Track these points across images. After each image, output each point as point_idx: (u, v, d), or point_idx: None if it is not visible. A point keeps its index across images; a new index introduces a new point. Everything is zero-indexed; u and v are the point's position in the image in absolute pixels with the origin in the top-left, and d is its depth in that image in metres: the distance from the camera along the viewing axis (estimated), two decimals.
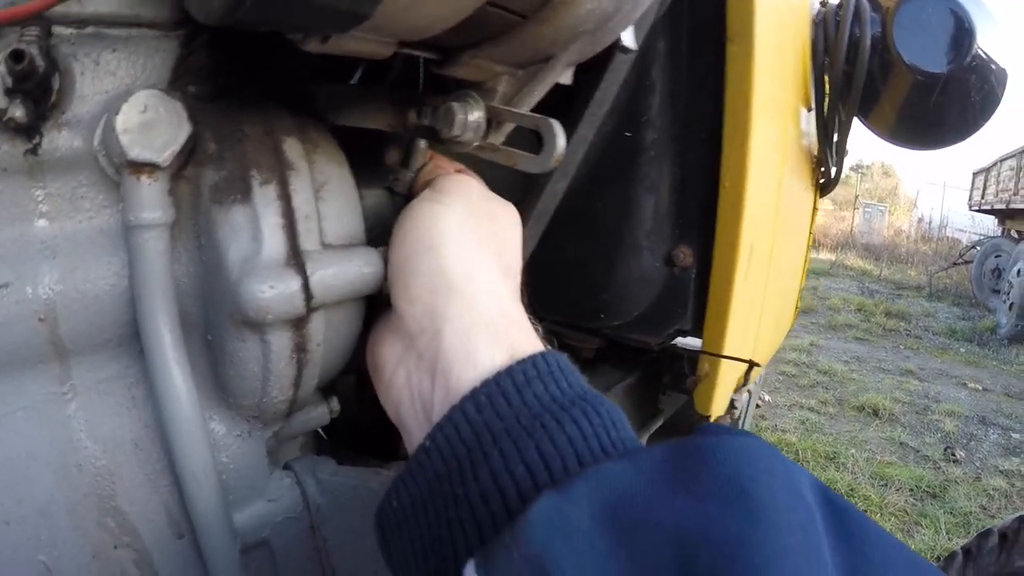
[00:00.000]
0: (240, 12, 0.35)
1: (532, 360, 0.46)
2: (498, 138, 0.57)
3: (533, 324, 0.53)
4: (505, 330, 0.49)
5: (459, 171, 0.63)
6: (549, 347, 0.50)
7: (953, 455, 4.97)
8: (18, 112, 0.45)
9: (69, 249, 0.50)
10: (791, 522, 0.32)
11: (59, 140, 0.48)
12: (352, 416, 0.70)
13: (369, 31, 0.43)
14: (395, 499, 0.46)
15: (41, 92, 0.46)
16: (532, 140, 0.56)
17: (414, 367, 0.51)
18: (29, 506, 0.51)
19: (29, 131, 0.47)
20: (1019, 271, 9.10)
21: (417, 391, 0.50)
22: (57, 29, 0.46)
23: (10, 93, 0.45)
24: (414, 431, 0.51)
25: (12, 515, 0.50)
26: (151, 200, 0.48)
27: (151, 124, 0.47)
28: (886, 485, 4.39)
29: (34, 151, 0.48)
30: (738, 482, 0.33)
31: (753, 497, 0.32)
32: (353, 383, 0.81)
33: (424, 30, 0.46)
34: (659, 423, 1.43)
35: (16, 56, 0.43)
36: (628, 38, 0.69)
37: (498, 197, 0.60)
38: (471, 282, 0.51)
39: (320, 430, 0.75)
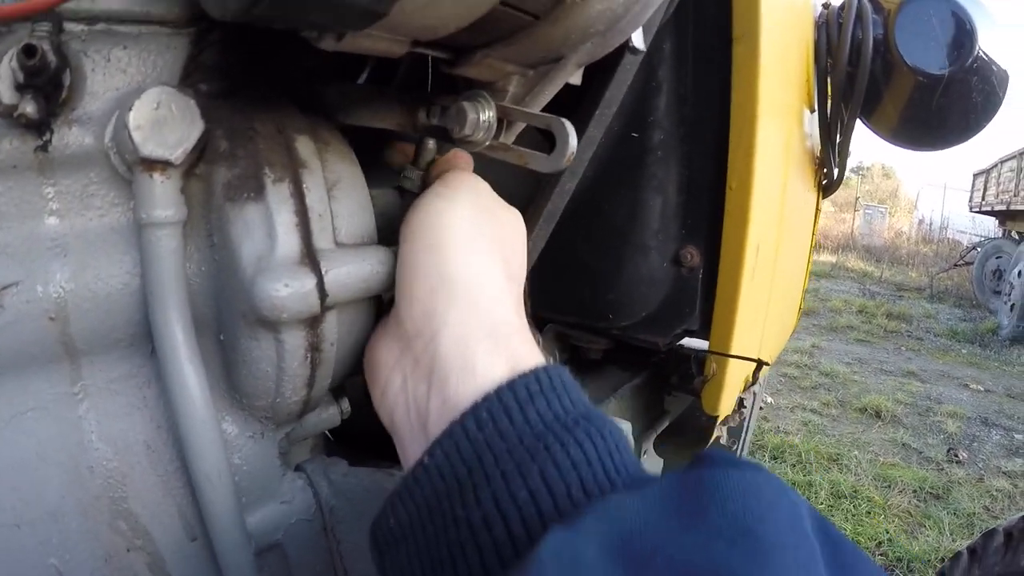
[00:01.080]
0: (258, 9, 0.35)
1: (535, 374, 0.44)
2: (509, 138, 0.57)
3: (534, 334, 0.52)
4: (506, 339, 0.48)
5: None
6: (551, 359, 0.49)
7: (956, 456, 4.97)
8: (29, 108, 0.44)
9: (80, 247, 0.49)
10: (796, 561, 0.32)
11: (70, 137, 0.48)
12: (359, 418, 0.70)
13: (384, 29, 0.43)
14: (392, 516, 0.45)
15: (52, 88, 0.46)
16: (540, 140, 0.55)
17: (410, 372, 0.50)
18: (40, 509, 0.50)
19: (39, 127, 0.47)
20: (1020, 272, 9.09)
21: (412, 397, 0.49)
22: (68, 25, 0.46)
23: (21, 89, 0.44)
24: (408, 440, 0.50)
25: (22, 518, 0.49)
26: (163, 198, 0.48)
27: (164, 121, 0.47)
28: (889, 487, 4.39)
29: (44, 148, 0.47)
30: (744, 520, 0.33)
31: (759, 536, 0.32)
32: (361, 384, 0.81)
33: (438, 29, 0.45)
34: (665, 424, 1.43)
35: (28, 51, 0.42)
36: (638, 39, 0.70)
37: (505, 203, 0.59)
38: (474, 286, 0.50)
39: (327, 432, 0.75)
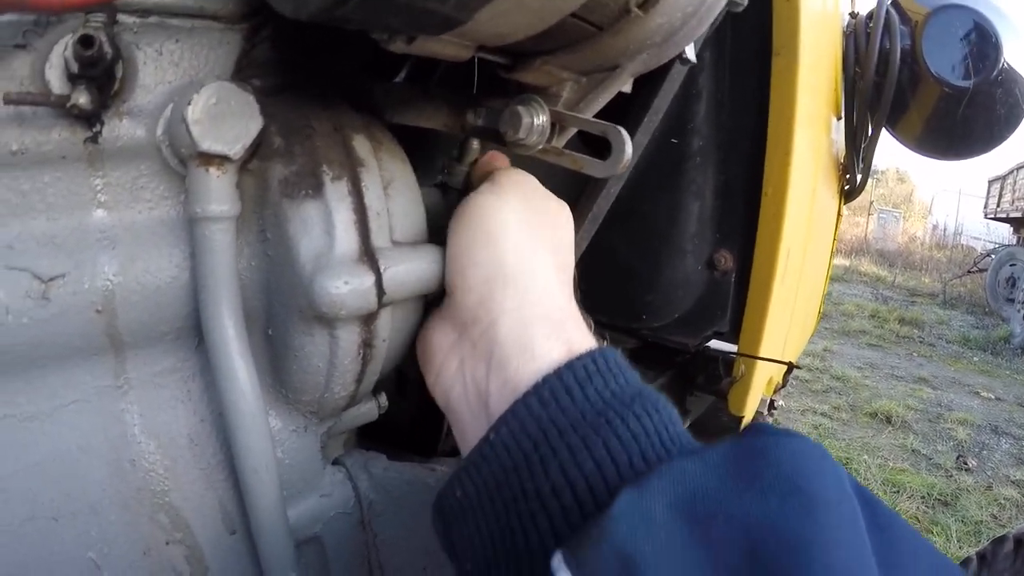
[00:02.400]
0: (340, 10, 0.34)
1: (591, 356, 0.47)
2: (560, 142, 0.57)
3: (585, 319, 0.54)
4: (560, 324, 0.50)
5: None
6: (602, 342, 0.51)
7: (965, 464, 4.95)
8: (82, 99, 0.44)
9: (128, 240, 0.49)
10: (841, 515, 0.35)
11: (120, 129, 0.48)
12: (391, 413, 0.70)
13: (455, 35, 0.43)
14: (459, 488, 0.46)
15: (105, 79, 0.46)
16: (580, 145, 0.55)
17: (468, 355, 0.52)
18: (80, 502, 0.50)
19: (90, 119, 0.47)
20: None
21: (471, 379, 0.51)
22: (121, 17, 0.46)
23: (74, 79, 0.44)
24: (467, 418, 0.52)
25: (62, 511, 0.50)
26: (219, 192, 0.48)
27: (222, 116, 0.47)
28: (898, 492, 4.37)
29: (94, 139, 0.47)
30: (795, 479, 0.35)
31: (808, 493, 0.35)
32: (394, 380, 0.81)
33: (507, 36, 0.45)
34: (687, 424, 1.43)
35: (85, 41, 0.42)
36: (689, 50, 0.70)
37: (553, 195, 0.60)
38: (527, 274, 0.51)
39: None
